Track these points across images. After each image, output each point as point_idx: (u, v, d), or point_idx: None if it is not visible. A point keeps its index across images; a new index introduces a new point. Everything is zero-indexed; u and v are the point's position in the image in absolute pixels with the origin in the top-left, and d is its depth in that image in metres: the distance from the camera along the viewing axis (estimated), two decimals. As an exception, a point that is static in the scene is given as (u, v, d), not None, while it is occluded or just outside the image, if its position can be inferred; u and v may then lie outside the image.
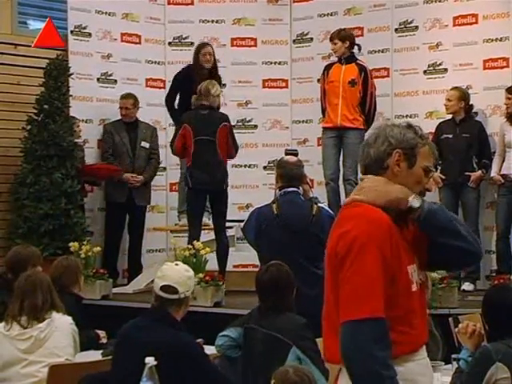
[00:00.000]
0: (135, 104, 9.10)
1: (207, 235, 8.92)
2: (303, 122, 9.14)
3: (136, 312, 4.89)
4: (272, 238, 5.73)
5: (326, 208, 5.99)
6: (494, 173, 8.28)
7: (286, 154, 6.90)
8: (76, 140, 8.73)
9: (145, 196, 9.17)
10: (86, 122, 9.25)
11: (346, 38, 8.45)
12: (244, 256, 9.21)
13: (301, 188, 5.86)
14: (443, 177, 8.43)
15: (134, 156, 9.05)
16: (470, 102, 8.48)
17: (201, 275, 7.31)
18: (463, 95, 8.44)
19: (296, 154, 6.82)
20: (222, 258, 8.03)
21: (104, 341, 5.57)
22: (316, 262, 5.71)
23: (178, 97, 8.73)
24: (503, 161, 8.29)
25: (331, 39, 8.47)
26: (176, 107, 8.73)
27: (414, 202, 2.85)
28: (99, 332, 5.65)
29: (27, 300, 4.79)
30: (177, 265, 4.49)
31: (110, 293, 8.18)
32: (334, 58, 8.75)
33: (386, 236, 2.79)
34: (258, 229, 5.82)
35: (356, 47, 8.53)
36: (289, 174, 5.82)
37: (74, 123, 8.77)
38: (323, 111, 8.60)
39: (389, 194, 2.86)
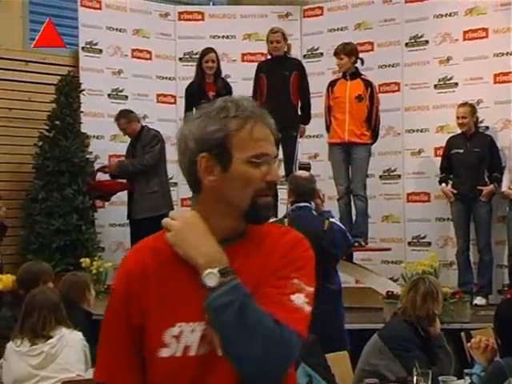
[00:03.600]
0: (129, 121, 8.78)
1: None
2: (314, 136, 9.15)
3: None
4: None
5: (338, 223, 5.96)
6: (504, 187, 8.26)
7: (300, 168, 6.88)
8: (88, 156, 8.77)
9: (139, 207, 8.62)
10: (97, 137, 9.28)
11: (352, 52, 8.38)
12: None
13: (313, 203, 5.82)
14: (455, 191, 8.43)
15: None
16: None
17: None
18: (475, 110, 8.47)
19: (309, 168, 6.80)
20: None
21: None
22: (328, 277, 5.69)
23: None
24: (514, 175, 8.28)
25: (336, 54, 8.37)
26: None
27: (210, 279, 2.01)
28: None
29: (26, 320, 4.80)
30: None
31: (121, 308, 8.16)
32: (343, 73, 8.76)
33: (131, 285, 2.15)
34: None
35: (359, 61, 8.49)
36: (301, 189, 5.77)
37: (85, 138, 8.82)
38: (327, 127, 8.57)
39: (189, 249, 2.09)
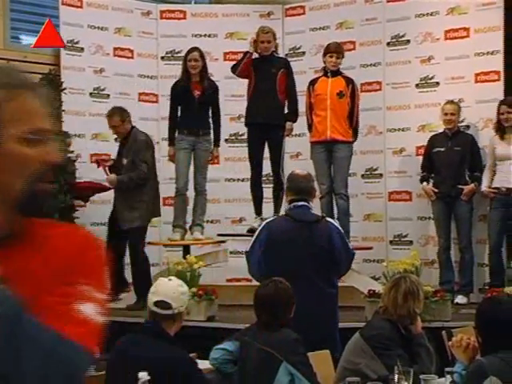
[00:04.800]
0: (123, 119, 8.42)
1: (200, 249, 8.92)
2: (296, 135, 9.15)
3: (130, 327, 4.88)
4: (280, 252, 5.66)
5: (336, 224, 5.91)
6: (484, 187, 8.30)
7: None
8: (69, 155, 8.72)
9: (132, 217, 8.36)
10: (78, 136, 9.25)
11: (343, 53, 8.49)
12: (237, 270, 9.19)
13: (310, 202, 5.80)
14: (436, 190, 8.46)
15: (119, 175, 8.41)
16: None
17: (194, 289, 7.30)
18: (460, 108, 8.54)
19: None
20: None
21: (97, 356, 5.53)
22: (327, 279, 5.66)
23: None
24: (493, 174, 8.32)
25: (335, 52, 8.37)
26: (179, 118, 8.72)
27: None
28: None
29: None
30: (170, 280, 4.49)
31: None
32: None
33: None
34: (267, 241, 5.72)
35: None
36: (297, 187, 5.75)
37: (67, 137, 8.76)
38: (310, 126, 8.59)
39: None
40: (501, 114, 8.22)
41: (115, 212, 8.49)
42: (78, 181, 8.91)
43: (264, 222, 6.02)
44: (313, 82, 8.55)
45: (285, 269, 5.34)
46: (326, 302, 5.61)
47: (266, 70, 8.47)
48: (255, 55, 8.56)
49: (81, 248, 1.77)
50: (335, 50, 8.38)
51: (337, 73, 8.41)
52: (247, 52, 8.56)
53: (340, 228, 5.85)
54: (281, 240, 5.63)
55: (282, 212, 8.22)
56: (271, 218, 6.24)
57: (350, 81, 8.41)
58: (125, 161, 8.39)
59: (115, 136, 8.73)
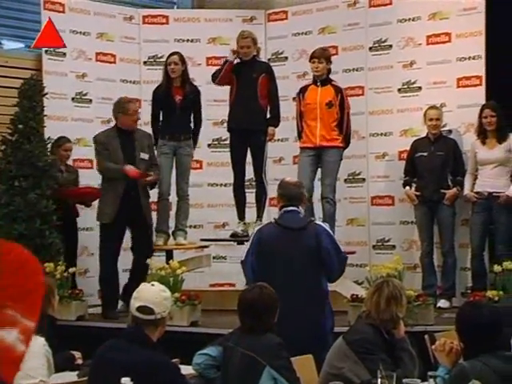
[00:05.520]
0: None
1: (183, 254, 8.90)
2: (279, 140, 9.15)
3: (112, 333, 4.86)
4: (269, 257, 5.73)
5: (325, 226, 5.96)
6: (466, 190, 8.34)
7: None
8: (67, 163, 8.75)
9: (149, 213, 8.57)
10: (60, 141, 9.20)
11: (329, 58, 8.42)
12: (220, 275, 9.19)
13: (300, 207, 5.92)
14: (418, 194, 8.49)
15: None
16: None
17: (177, 295, 7.29)
18: (442, 113, 8.56)
19: None
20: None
21: (79, 362, 5.53)
22: (315, 280, 5.70)
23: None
24: (475, 178, 8.35)
25: (317, 57, 8.33)
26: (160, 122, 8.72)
27: None
28: (74, 353, 5.61)
29: None
30: (153, 285, 4.48)
31: (85, 313, 8.13)
32: (309, 77, 8.75)
33: None
34: (258, 247, 5.79)
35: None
36: (288, 193, 5.92)
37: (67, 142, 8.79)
38: (299, 133, 8.58)
39: None
40: (484, 118, 8.24)
41: (137, 208, 8.21)
42: (80, 186, 8.91)
43: (256, 229, 6.12)
44: (302, 90, 8.49)
45: (274, 274, 5.47)
46: (315, 304, 5.66)
47: (246, 74, 8.47)
48: (237, 60, 8.56)
49: (17, 269, 1.64)
50: (317, 56, 8.36)
51: (326, 81, 8.38)
52: (226, 61, 8.55)
53: (329, 230, 5.92)
54: (270, 245, 5.75)
55: (265, 216, 8.31)
56: (262, 224, 6.35)
57: (338, 90, 8.36)
58: (144, 155, 8.34)
59: (104, 135, 8.50)
